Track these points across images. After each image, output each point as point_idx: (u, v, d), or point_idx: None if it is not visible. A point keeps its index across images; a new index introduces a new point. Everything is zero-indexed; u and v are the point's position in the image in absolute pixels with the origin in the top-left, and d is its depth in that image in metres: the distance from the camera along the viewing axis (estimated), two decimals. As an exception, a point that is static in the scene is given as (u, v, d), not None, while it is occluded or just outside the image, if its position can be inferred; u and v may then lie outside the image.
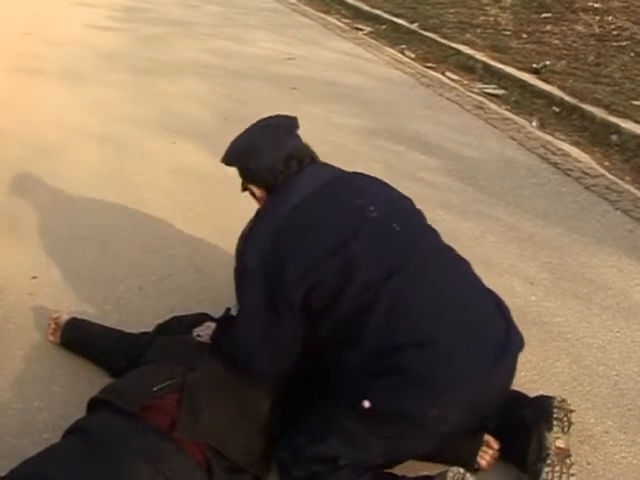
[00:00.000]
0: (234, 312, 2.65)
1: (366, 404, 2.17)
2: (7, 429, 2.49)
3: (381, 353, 2.20)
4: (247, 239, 2.46)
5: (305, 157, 2.56)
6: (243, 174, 2.61)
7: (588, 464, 2.46)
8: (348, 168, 2.72)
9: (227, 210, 4.01)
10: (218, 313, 2.80)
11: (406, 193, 2.63)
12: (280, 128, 2.66)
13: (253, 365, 2.40)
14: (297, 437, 2.32)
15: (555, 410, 2.40)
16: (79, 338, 2.91)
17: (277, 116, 2.76)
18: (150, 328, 2.86)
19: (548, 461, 2.27)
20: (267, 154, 2.53)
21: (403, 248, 2.33)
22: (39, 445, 2.15)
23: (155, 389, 2.23)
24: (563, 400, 2.46)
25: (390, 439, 2.25)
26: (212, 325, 2.68)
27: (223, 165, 2.61)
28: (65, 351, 2.90)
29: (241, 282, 2.47)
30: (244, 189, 2.64)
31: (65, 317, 2.96)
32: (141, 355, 2.56)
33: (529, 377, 2.83)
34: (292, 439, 2.33)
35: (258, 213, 2.55)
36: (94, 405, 2.30)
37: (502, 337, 2.26)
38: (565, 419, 2.42)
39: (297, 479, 2.28)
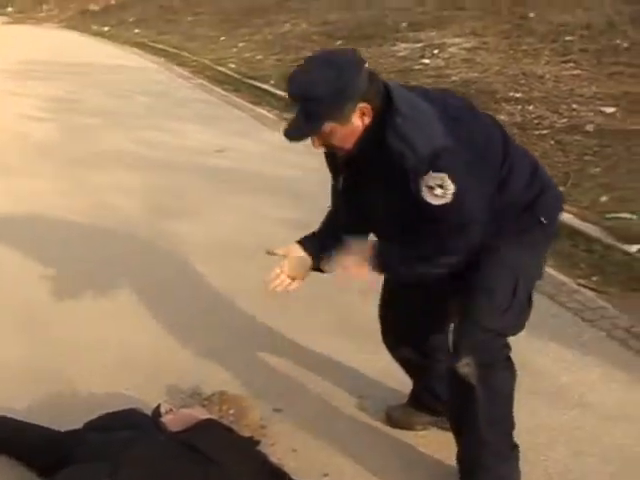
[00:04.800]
0: (164, 409, 2.67)
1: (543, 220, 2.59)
2: None
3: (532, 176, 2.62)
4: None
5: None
6: (332, 101, 2.32)
7: None
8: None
9: (161, 301, 4.01)
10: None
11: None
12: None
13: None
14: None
15: None
16: (5, 436, 2.85)
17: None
18: (80, 425, 2.81)
19: None
20: (357, 66, 2.37)
21: None
22: None
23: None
24: None
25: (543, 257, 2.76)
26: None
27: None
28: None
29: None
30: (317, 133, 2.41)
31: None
32: (70, 454, 2.53)
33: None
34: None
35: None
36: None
37: None
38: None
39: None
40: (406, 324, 2.90)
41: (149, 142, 7.75)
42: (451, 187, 2.31)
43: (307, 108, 2.34)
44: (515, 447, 2.73)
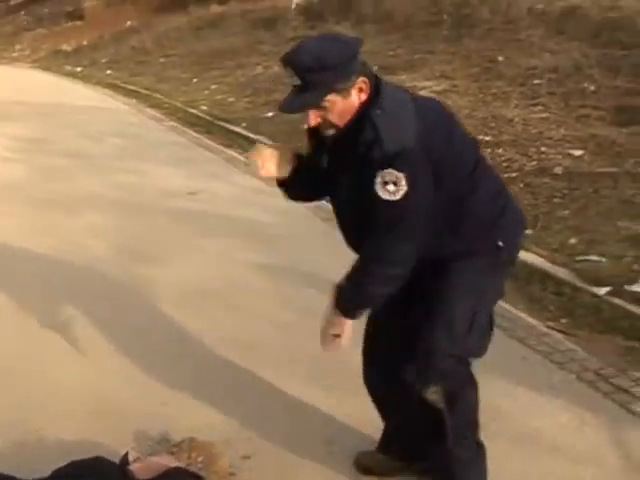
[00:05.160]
0: (132, 457, 2.64)
1: (500, 243, 2.66)
2: None
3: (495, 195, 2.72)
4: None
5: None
6: (340, 71, 2.42)
7: None
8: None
9: (130, 345, 3.98)
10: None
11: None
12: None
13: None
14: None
15: None
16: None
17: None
18: (48, 473, 2.77)
19: None
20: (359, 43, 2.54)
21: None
22: None
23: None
24: None
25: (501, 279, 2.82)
26: None
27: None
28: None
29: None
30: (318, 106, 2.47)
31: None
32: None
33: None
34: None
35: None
36: None
37: None
38: None
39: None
40: (387, 355, 2.89)
41: (121, 184, 7.73)
42: (404, 188, 2.40)
43: (313, 78, 2.39)
44: (481, 446, 2.87)
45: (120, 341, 4.19)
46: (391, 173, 2.39)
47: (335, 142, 2.58)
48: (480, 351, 2.79)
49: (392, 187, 2.40)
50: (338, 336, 2.74)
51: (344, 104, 2.46)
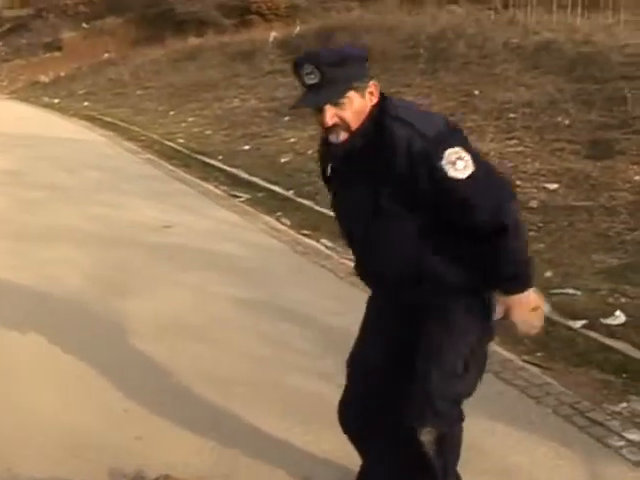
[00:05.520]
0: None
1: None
2: None
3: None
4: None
5: None
6: (359, 69, 2.51)
7: None
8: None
9: (105, 381, 3.95)
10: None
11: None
12: None
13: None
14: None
15: None
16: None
17: None
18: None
19: None
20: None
21: None
22: None
23: None
24: None
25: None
26: None
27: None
28: None
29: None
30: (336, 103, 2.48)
31: None
32: None
33: None
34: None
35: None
36: None
37: None
38: None
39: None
40: (376, 397, 2.88)
41: (97, 217, 7.71)
42: (468, 158, 2.43)
43: (335, 73, 2.43)
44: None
45: (96, 375, 4.17)
46: (450, 152, 2.41)
47: (352, 153, 2.55)
48: (472, 392, 2.77)
49: (461, 163, 2.42)
50: (538, 308, 2.64)
51: (361, 103, 2.49)
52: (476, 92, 11.83)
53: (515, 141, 9.59)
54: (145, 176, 10.37)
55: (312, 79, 2.44)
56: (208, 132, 13.53)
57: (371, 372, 2.85)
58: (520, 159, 8.92)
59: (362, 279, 2.84)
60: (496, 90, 11.58)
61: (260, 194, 9.11)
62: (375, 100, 2.54)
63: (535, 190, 7.91)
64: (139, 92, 19.58)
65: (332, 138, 2.53)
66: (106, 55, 28.25)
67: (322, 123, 2.50)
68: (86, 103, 19.61)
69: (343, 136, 2.51)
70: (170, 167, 10.99)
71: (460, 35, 14.53)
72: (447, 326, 2.64)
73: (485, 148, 9.35)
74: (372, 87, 2.53)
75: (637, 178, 7.77)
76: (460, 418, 2.79)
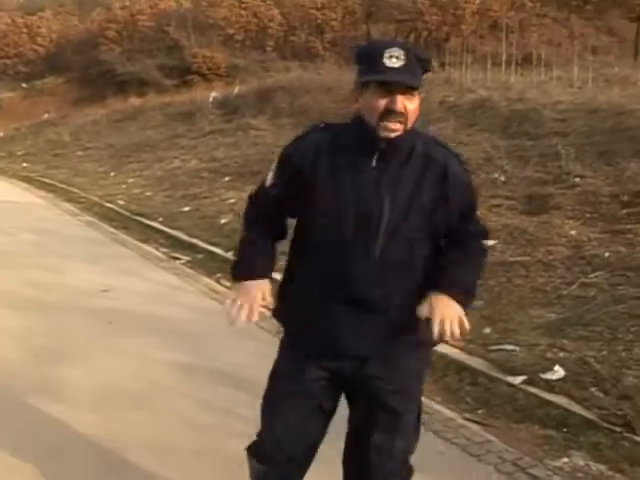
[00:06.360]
0: None
1: None
2: None
3: None
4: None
5: None
6: (425, 68, 2.51)
7: None
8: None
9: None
10: None
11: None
12: None
13: None
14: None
15: None
16: None
17: None
18: None
19: None
20: None
21: None
22: None
23: None
24: None
25: None
26: None
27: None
28: None
29: None
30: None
31: None
32: None
33: None
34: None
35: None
36: None
37: None
38: None
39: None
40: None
41: (33, 282, 7.59)
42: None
43: (416, 67, 2.44)
44: None
45: (28, 449, 4.04)
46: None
47: (395, 153, 2.51)
48: None
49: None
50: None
51: (418, 105, 2.49)
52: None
53: (453, 198, 9.70)
54: (84, 239, 10.28)
55: (395, 63, 2.40)
56: (149, 193, 13.51)
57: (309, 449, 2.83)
58: (459, 217, 9.02)
59: (326, 302, 2.59)
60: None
61: (200, 256, 9.09)
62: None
63: (473, 247, 8.00)
64: (79, 153, 19.53)
65: (388, 126, 2.44)
66: (46, 115, 28.19)
67: (388, 106, 2.42)
68: (25, 164, 19.47)
69: (399, 129, 2.46)
70: (110, 229, 10.92)
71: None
72: (411, 381, 2.68)
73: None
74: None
75: (573, 233, 7.93)
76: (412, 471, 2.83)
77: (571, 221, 8.27)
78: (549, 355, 5.43)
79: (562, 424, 4.51)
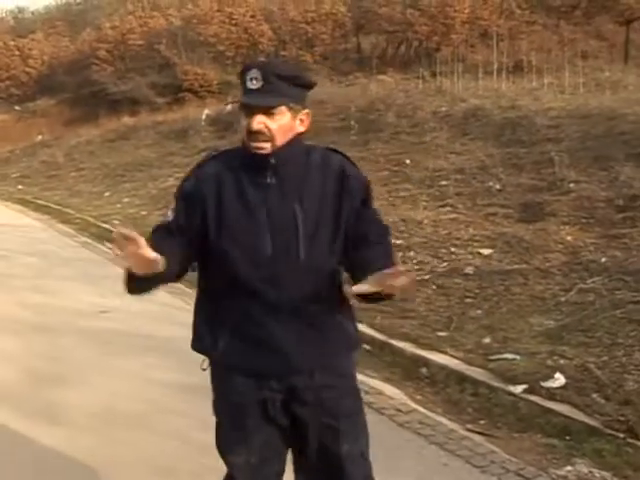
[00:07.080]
0: None
1: None
2: None
3: None
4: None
5: None
6: (300, 94, 2.54)
7: None
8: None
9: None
10: None
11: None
12: None
13: None
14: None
15: None
16: None
17: None
18: None
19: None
20: None
21: None
22: None
23: None
24: None
25: None
26: None
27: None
28: None
29: None
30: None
31: None
32: None
33: None
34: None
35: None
36: None
37: None
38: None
39: None
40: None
41: (31, 304, 7.58)
42: None
43: (277, 86, 2.45)
44: None
45: (29, 472, 4.03)
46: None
47: (280, 168, 2.52)
48: None
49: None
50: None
51: (289, 123, 2.50)
52: (407, 161, 12.05)
53: (448, 208, 9.75)
54: (81, 260, 10.27)
55: (254, 84, 2.45)
56: (144, 212, 13.51)
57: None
58: (454, 226, 9.05)
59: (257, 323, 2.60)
60: (427, 158, 11.81)
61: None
62: (304, 129, 2.56)
63: (470, 256, 8.02)
64: (73, 174, 19.53)
65: (254, 145, 2.49)
66: (39, 137, 28.22)
67: (248, 127, 2.47)
68: (20, 186, 19.47)
69: (265, 147, 2.49)
70: (106, 250, 10.88)
71: (390, 105, 14.86)
72: (357, 404, 2.76)
73: (419, 216, 9.49)
74: (304, 115, 2.55)
75: (569, 239, 7.94)
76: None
77: (567, 227, 8.28)
78: (549, 363, 5.41)
79: (565, 432, 4.50)
